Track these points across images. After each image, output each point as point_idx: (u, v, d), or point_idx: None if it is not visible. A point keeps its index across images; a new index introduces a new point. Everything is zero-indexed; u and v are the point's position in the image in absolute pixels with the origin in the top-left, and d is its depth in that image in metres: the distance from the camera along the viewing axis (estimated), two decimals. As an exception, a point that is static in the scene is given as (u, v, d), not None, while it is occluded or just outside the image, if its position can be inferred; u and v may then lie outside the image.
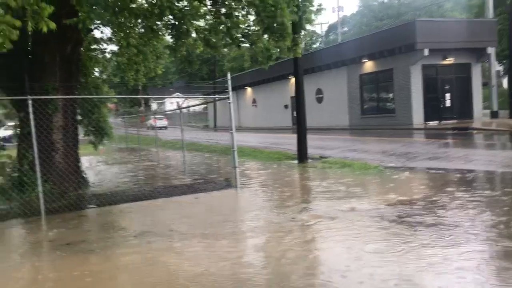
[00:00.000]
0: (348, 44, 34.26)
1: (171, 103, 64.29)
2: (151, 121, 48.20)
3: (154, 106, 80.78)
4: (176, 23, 9.87)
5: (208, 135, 31.17)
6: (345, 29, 71.12)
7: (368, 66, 30.59)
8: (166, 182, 11.47)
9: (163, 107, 72.86)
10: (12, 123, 13.57)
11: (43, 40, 8.58)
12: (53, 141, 9.34)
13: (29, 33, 8.52)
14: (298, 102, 13.80)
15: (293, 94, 27.26)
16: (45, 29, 5.39)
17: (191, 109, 54.78)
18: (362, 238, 5.50)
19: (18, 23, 5.20)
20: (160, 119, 51.68)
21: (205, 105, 58.31)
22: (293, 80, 17.78)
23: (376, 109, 30.35)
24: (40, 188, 7.89)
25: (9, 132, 14.79)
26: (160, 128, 39.99)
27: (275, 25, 9.53)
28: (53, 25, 5.41)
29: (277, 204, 8.04)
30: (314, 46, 69.30)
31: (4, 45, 5.12)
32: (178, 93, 55.03)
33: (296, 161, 13.34)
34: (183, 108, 14.26)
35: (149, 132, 33.74)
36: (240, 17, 10.03)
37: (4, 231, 7.38)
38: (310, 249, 5.33)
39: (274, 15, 9.29)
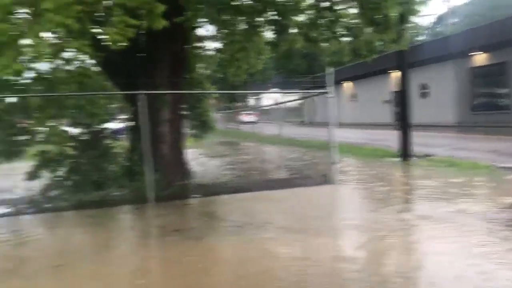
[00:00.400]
0: (457, 36, 32.05)
1: (268, 98, 65.01)
2: (241, 116, 49.11)
3: (252, 101, 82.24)
4: (278, 18, 9.94)
5: (304, 130, 31.14)
6: (456, 20, 66.54)
7: (480, 59, 28.40)
8: (264, 175, 11.65)
9: (261, 103, 73.96)
10: (123, 117, 14.46)
11: (154, 38, 9.12)
12: (160, 133, 9.89)
13: (142, 32, 9.09)
14: (402, 97, 13.23)
15: (394, 89, 26.26)
16: (158, 27, 5.73)
17: (287, 104, 54.85)
18: (473, 241, 5.12)
19: (134, 22, 5.58)
20: (249, 114, 52.52)
21: (302, 100, 58.11)
22: (394, 74, 17.08)
23: (487, 105, 28.10)
24: (149, 177, 8.41)
25: (121, 125, 15.76)
26: (249, 123, 40.67)
27: (379, 17, 9.21)
28: (165, 23, 5.74)
29: (378, 203, 7.78)
30: (419, 39, 65.87)
31: (122, 43, 5.54)
32: (276, 89, 55.41)
33: (398, 159, 12.81)
34: (281, 103, 14.35)
35: (246, 127, 34.48)
36: (342, 11, 9.83)
37: (117, 217, 8.00)
38: (416, 250, 5.09)
39: (378, 7, 8.97)
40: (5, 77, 7.14)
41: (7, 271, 5.13)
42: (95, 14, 8.25)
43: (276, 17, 9.96)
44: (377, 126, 34.80)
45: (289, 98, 29.23)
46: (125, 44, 5.63)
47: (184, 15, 7.88)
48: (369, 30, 9.86)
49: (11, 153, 9.31)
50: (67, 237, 6.76)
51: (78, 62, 8.88)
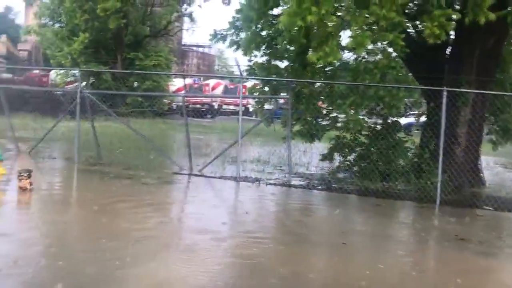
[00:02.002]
0: None
1: None
2: None
3: None
4: None
5: None
6: None
7: None
8: None
9: None
10: (417, 112, 14.08)
11: (466, 33, 8.55)
12: (456, 134, 9.28)
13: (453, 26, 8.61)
14: None
15: None
16: (482, 21, 5.32)
17: None
18: None
19: (457, 15, 5.33)
20: None
21: None
22: None
23: None
24: (439, 178, 8.04)
25: (413, 120, 15.39)
26: None
27: None
28: (492, 16, 5.28)
29: None
30: None
31: (440, 37, 5.37)
32: None
33: None
34: None
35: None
36: None
37: (401, 211, 8.00)
38: None
39: None
40: (320, 64, 7.92)
41: (300, 236, 5.79)
42: (409, 7, 8.30)
43: None
44: None
45: None
46: (442, 38, 5.45)
47: (508, 7, 7.08)
48: None
49: (312, 134, 10.34)
50: (351, 219, 7.18)
51: (381, 53, 9.09)
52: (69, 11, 26.77)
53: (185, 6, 33.96)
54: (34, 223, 5.68)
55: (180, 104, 28.60)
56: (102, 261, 4.33)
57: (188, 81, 32.32)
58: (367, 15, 5.95)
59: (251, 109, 21.92)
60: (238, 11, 9.96)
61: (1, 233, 5.03)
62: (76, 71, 22.56)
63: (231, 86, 35.10)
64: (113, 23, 26.36)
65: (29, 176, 6.94)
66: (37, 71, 35.44)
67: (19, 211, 6.52)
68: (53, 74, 31.23)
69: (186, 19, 36.64)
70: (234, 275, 4.44)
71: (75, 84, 25.91)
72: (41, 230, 5.36)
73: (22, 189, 6.88)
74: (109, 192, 7.70)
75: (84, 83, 10.56)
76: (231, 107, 32.37)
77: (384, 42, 7.58)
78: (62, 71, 28.08)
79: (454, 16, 5.50)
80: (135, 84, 29.19)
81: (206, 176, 9.32)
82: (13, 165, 8.92)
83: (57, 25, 29.56)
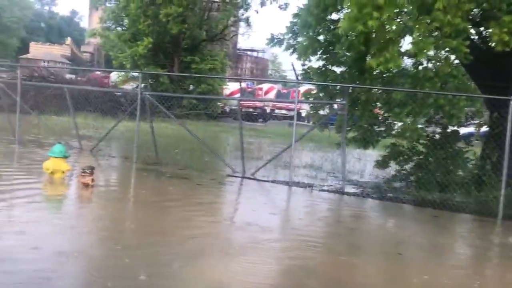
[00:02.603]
0: None
1: None
2: None
3: None
4: None
5: None
6: None
7: None
8: None
9: None
10: (478, 121, 13.56)
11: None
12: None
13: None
14: None
15: None
16: None
17: None
18: None
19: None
20: None
21: None
22: None
23: None
24: (502, 191, 7.68)
25: (473, 130, 14.84)
26: None
27: None
28: None
29: None
30: None
31: (509, 44, 5.15)
32: None
33: None
34: None
35: None
36: None
37: (458, 224, 7.72)
38: None
39: None
40: (378, 70, 7.79)
41: (354, 244, 5.70)
42: (474, 13, 7.99)
43: None
44: None
45: None
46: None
47: None
48: None
49: (367, 141, 10.15)
50: (407, 229, 6.98)
51: (443, 61, 8.77)
52: (133, 16, 27.86)
53: (241, 11, 34.41)
54: (95, 217, 5.92)
55: (233, 107, 29.09)
56: (163, 260, 4.43)
57: (243, 85, 32.70)
58: (429, 21, 5.77)
59: (303, 114, 21.84)
60: (295, 16, 9.96)
61: (69, 226, 5.28)
62: (135, 73, 23.40)
63: (284, 91, 35.16)
64: (176, 28, 27.21)
65: (91, 173, 7.25)
66: (98, 73, 37.06)
67: (82, 206, 6.82)
68: (113, 75, 32.57)
69: (242, 23, 37.11)
70: (286, 279, 4.44)
71: (131, 84, 26.90)
72: (103, 225, 5.58)
73: (85, 185, 7.20)
74: (166, 191, 7.92)
75: (142, 85, 10.88)
76: (283, 111, 32.45)
77: (446, 49, 7.31)
78: (122, 73, 29.22)
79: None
80: (191, 87, 29.87)
81: (258, 180, 9.37)
82: (77, 162, 9.37)
83: (119, 28, 30.86)
